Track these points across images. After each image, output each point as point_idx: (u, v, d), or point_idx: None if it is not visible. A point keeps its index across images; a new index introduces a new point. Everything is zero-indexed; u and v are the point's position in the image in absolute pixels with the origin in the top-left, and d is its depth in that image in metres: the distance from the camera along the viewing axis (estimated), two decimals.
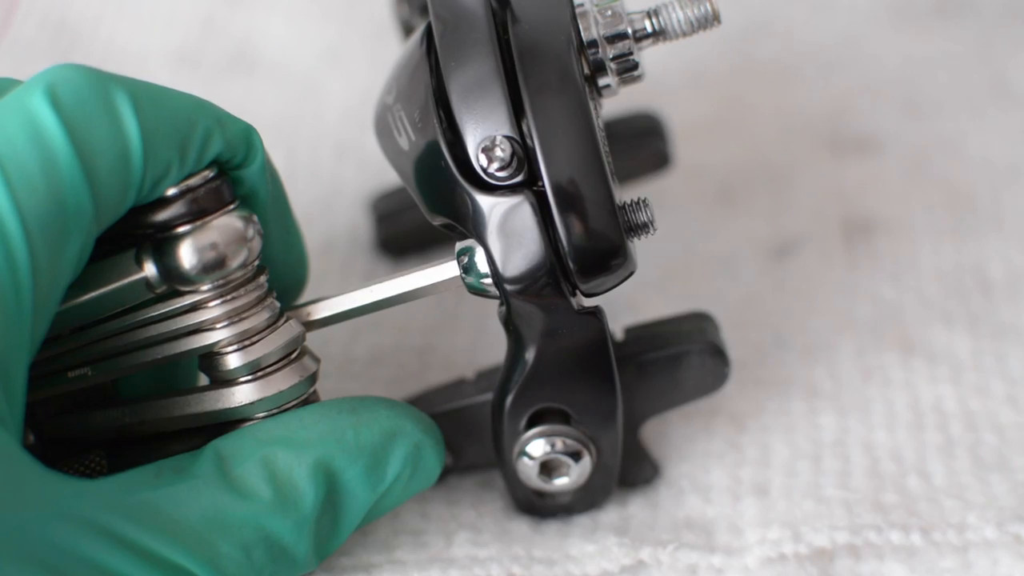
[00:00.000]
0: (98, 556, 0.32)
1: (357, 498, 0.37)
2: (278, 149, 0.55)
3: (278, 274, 0.40)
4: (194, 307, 0.36)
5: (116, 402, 0.40)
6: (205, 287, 0.36)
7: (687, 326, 0.41)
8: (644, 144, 0.50)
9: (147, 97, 0.35)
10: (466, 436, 0.41)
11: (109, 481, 0.34)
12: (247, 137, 0.37)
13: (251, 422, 0.37)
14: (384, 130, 0.40)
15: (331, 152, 0.57)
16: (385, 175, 0.53)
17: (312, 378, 0.38)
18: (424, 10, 0.43)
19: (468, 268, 0.37)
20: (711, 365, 0.41)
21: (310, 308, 0.39)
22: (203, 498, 0.35)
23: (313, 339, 0.39)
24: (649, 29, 0.38)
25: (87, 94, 0.34)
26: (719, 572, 0.40)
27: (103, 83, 0.34)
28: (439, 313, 0.50)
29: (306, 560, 0.36)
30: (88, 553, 0.32)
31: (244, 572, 0.35)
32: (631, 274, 0.37)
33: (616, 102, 0.43)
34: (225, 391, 0.37)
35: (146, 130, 0.34)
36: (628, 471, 0.42)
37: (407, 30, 0.46)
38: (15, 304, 0.32)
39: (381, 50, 0.60)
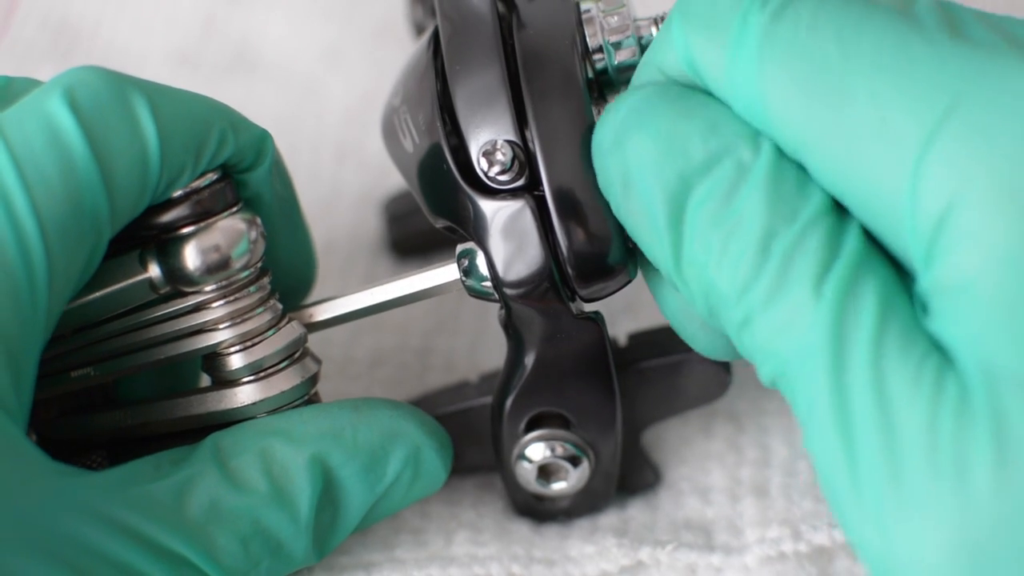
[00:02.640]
0: (102, 544, 0.33)
1: (355, 496, 0.37)
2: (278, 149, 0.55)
3: (285, 275, 0.40)
4: (197, 308, 0.37)
5: (118, 403, 0.40)
6: (208, 288, 0.36)
7: None
8: None
9: (164, 100, 0.35)
10: (468, 438, 0.41)
11: (111, 473, 0.34)
12: (260, 143, 0.37)
13: None
14: (390, 132, 0.40)
15: (331, 153, 0.57)
16: (385, 176, 0.53)
17: (313, 379, 0.38)
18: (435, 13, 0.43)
19: (469, 271, 0.37)
20: (713, 373, 0.40)
21: (312, 310, 0.39)
22: (200, 488, 0.35)
23: (314, 340, 0.39)
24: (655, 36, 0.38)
25: (105, 97, 0.34)
26: (718, 571, 0.40)
27: (121, 86, 0.34)
28: (440, 315, 0.50)
29: (305, 555, 0.36)
30: (92, 541, 0.32)
31: (241, 564, 0.35)
32: (630, 281, 0.37)
33: None
34: (227, 392, 0.37)
35: (163, 133, 0.34)
36: (629, 477, 0.42)
37: (420, 32, 0.46)
38: (30, 303, 0.33)
39: (381, 50, 0.60)
